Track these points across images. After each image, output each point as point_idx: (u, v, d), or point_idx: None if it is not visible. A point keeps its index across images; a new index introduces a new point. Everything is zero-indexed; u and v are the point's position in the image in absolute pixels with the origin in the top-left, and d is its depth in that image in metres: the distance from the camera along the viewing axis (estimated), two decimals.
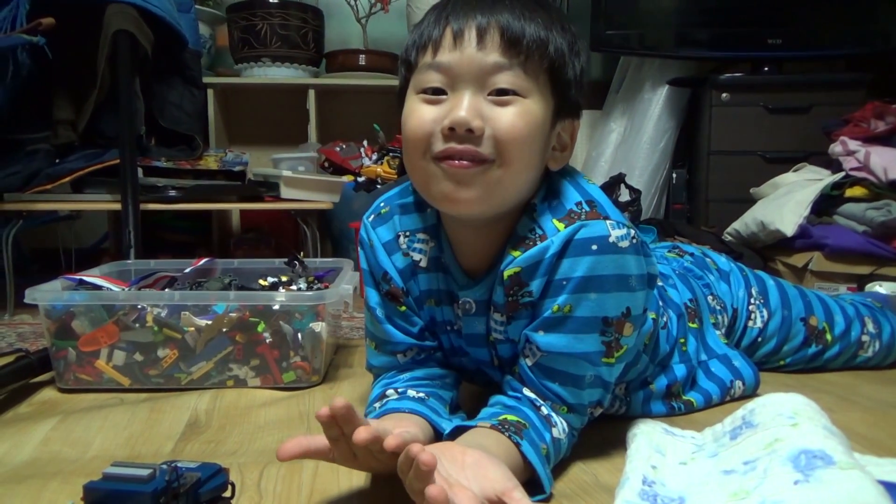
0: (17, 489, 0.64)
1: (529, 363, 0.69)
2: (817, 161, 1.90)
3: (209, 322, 0.97)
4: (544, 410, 0.68)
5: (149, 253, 1.54)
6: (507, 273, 0.69)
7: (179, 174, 1.81)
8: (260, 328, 0.97)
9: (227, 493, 0.57)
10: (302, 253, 1.66)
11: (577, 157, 2.56)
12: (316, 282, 1.18)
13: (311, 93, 2.38)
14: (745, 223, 1.79)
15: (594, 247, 0.65)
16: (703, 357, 0.91)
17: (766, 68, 2.21)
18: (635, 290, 0.67)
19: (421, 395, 0.74)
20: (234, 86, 2.44)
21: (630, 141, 2.38)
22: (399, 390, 0.75)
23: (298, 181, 1.81)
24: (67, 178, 1.60)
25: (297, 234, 1.99)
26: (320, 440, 0.58)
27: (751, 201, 1.90)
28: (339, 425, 0.56)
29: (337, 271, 1.20)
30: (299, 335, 0.98)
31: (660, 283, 0.89)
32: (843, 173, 1.71)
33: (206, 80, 2.19)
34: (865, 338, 1.06)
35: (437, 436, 0.69)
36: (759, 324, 1.01)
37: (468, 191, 0.65)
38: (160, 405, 0.91)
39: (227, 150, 2.02)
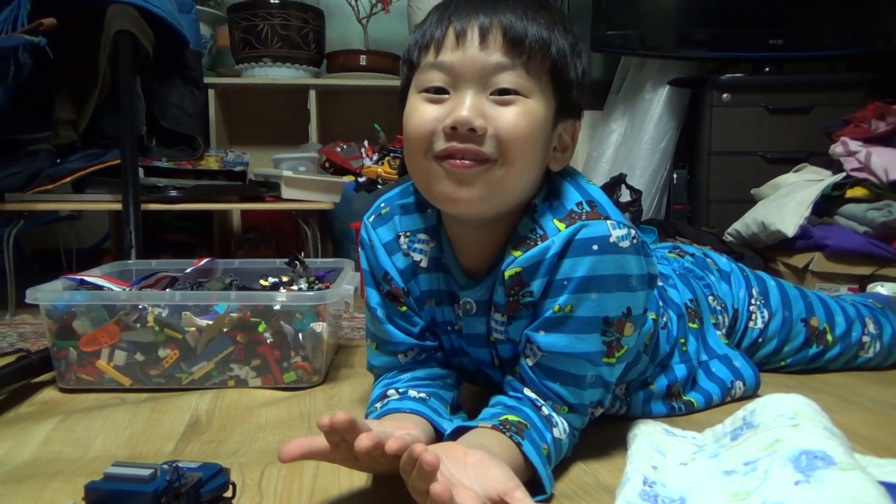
0: (18, 489, 0.64)
1: (530, 363, 0.69)
2: (818, 161, 1.90)
3: (210, 322, 0.97)
4: (545, 410, 0.68)
5: (150, 253, 1.54)
6: (507, 273, 0.69)
7: (180, 174, 1.81)
8: (261, 328, 0.97)
9: (228, 493, 0.57)
10: (303, 253, 1.66)
11: (578, 158, 2.57)
12: (317, 282, 1.18)
13: (312, 93, 2.38)
14: (745, 224, 1.79)
15: (595, 247, 0.65)
16: (704, 357, 0.91)
17: (766, 69, 2.21)
18: (636, 290, 0.68)
19: (422, 395, 0.74)
20: (234, 86, 2.44)
21: (631, 141, 2.38)
22: (400, 390, 0.75)
23: (299, 181, 1.81)
24: (68, 178, 1.61)
25: (298, 234, 1.99)
26: (321, 441, 0.58)
27: (751, 202, 1.90)
28: (340, 433, 0.57)
29: (338, 271, 1.20)
30: (300, 335, 0.98)
31: (660, 284, 0.89)
32: (843, 174, 1.71)
33: (207, 80, 2.20)
34: (866, 338, 1.06)
35: (439, 436, 0.69)
36: (759, 324, 1.01)
37: (470, 190, 0.65)
38: (161, 405, 0.91)
39: (228, 151, 2.02)
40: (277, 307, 0.97)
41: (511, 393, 0.71)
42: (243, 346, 0.97)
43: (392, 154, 2.17)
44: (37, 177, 1.58)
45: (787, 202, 1.69)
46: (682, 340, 0.87)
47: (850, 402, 0.93)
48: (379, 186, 1.99)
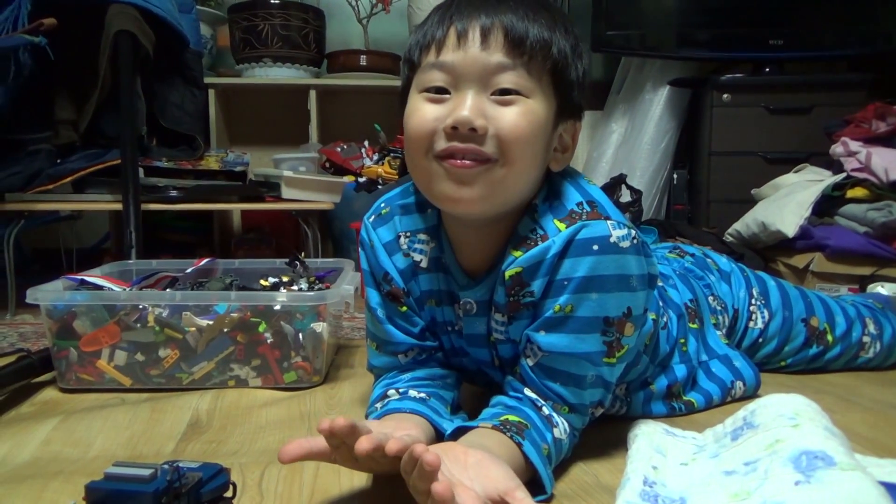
0: (19, 489, 0.64)
1: (530, 363, 0.69)
2: (818, 162, 1.90)
3: (210, 322, 0.97)
4: (546, 411, 0.68)
5: (150, 253, 1.54)
6: (508, 273, 0.69)
7: (181, 174, 1.81)
8: (261, 328, 0.97)
9: (229, 493, 0.57)
10: (303, 253, 1.66)
11: (578, 158, 2.57)
12: (317, 282, 1.18)
13: (313, 93, 2.38)
14: (746, 224, 1.79)
15: (595, 247, 0.65)
16: (704, 357, 0.91)
17: (767, 69, 2.21)
18: (636, 290, 0.68)
19: (422, 395, 0.74)
20: (235, 86, 2.45)
21: (631, 141, 2.38)
22: (400, 390, 0.75)
23: (299, 181, 1.81)
24: (69, 178, 1.61)
25: (298, 234, 1.99)
26: (321, 442, 0.58)
27: (752, 202, 1.90)
28: (340, 437, 0.57)
29: (338, 272, 1.20)
30: (300, 335, 0.98)
31: (660, 284, 0.89)
32: (844, 174, 1.71)
33: (207, 80, 2.20)
34: (866, 339, 1.06)
35: (439, 436, 0.69)
36: (759, 324, 1.01)
37: (470, 190, 0.65)
38: (161, 405, 0.91)
39: (229, 151, 2.02)
40: (278, 307, 0.97)
41: (511, 393, 0.71)
42: (244, 346, 0.97)
43: (392, 154, 2.17)
44: (37, 177, 1.58)
45: (787, 202, 1.69)
46: (682, 340, 0.87)
47: (850, 403, 0.93)
48: (379, 186, 2.00)
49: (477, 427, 0.65)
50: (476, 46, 0.65)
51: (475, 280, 0.74)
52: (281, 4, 2.31)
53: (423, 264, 0.77)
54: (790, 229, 1.62)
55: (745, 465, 0.59)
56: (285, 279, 1.17)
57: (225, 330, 0.97)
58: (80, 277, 1.06)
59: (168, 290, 1.10)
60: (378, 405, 0.74)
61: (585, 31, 2.25)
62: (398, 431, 0.63)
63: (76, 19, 1.57)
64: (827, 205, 1.71)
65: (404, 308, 0.78)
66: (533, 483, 0.62)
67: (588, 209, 0.68)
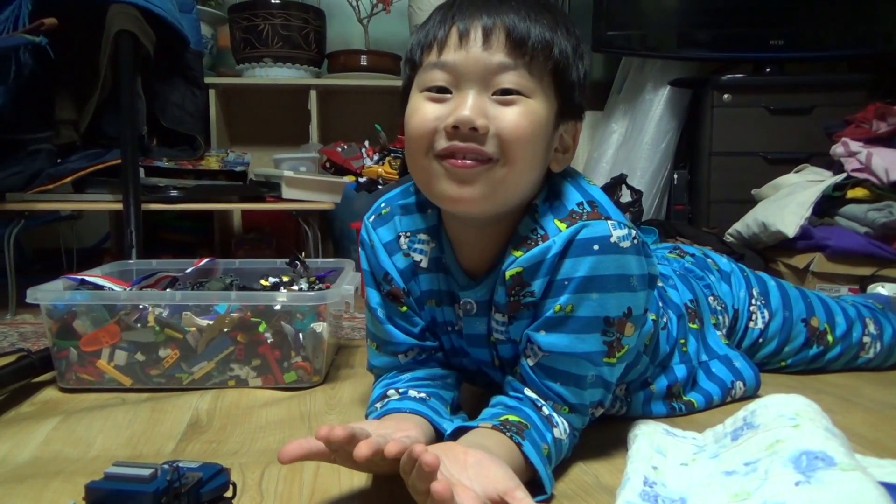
0: (19, 489, 0.64)
1: (531, 363, 0.69)
2: (819, 162, 1.90)
3: (210, 322, 0.97)
4: (546, 411, 0.68)
5: (150, 253, 1.54)
6: (508, 273, 0.69)
7: (181, 174, 1.81)
8: (261, 328, 0.97)
9: (229, 493, 0.57)
10: (303, 253, 1.66)
11: (579, 158, 2.56)
12: (317, 282, 1.18)
13: (313, 93, 2.38)
14: (746, 224, 1.79)
15: (596, 247, 0.65)
16: (704, 357, 0.91)
17: (767, 69, 2.21)
18: (636, 290, 0.68)
19: (422, 395, 0.74)
20: (235, 86, 2.45)
21: (631, 142, 2.38)
22: (400, 390, 0.75)
23: (300, 181, 1.81)
24: (69, 178, 1.61)
25: (299, 234, 1.99)
26: (321, 443, 0.58)
27: (752, 202, 1.90)
28: (338, 445, 0.57)
29: (338, 272, 1.20)
30: (300, 335, 0.98)
31: (660, 284, 0.89)
32: (844, 174, 1.71)
33: (207, 80, 2.20)
34: (867, 339, 1.06)
35: (439, 436, 0.69)
36: (760, 325, 1.01)
37: (471, 189, 0.65)
38: (161, 405, 0.91)
39: (229, 151, 2.02)
40: (278, 307, 0.97)
41: (511, 393, 0.71)
42: (244, 346, 0.97)
43: (393, 154, 2.17)
44: (37, 176, 1.58)
45: (787, 203, 1.69)
46: (682, 341, 0.87)
47: (850, 403, 0.93)
48: (379, 186, 2.00)
49: (477, 427, 0.65)
50: (478, 46, 0.65)
51: (475, 280, 0.74)
52: (281, 4, 2.31)
53: (424, 264, 0.77)
54: (790, 229, 1.62)
55: (746, 466, 0.59)
56: (285, 279, 1.17)
57: (225, 330, 0.97)
58: (80, 277, 1.07)
59: (168, 290, 1.10)
60: (378, 405, 0.74)
61: (586, 31, 2.25)
62: (398, 432, 0.63)
63: (77, 19, 1.57)
64: (827, 205, 1.71)
65: (404, 308, 0.78)
66: (533, 483, 0.62)
67: (588, 209, 0.68)
